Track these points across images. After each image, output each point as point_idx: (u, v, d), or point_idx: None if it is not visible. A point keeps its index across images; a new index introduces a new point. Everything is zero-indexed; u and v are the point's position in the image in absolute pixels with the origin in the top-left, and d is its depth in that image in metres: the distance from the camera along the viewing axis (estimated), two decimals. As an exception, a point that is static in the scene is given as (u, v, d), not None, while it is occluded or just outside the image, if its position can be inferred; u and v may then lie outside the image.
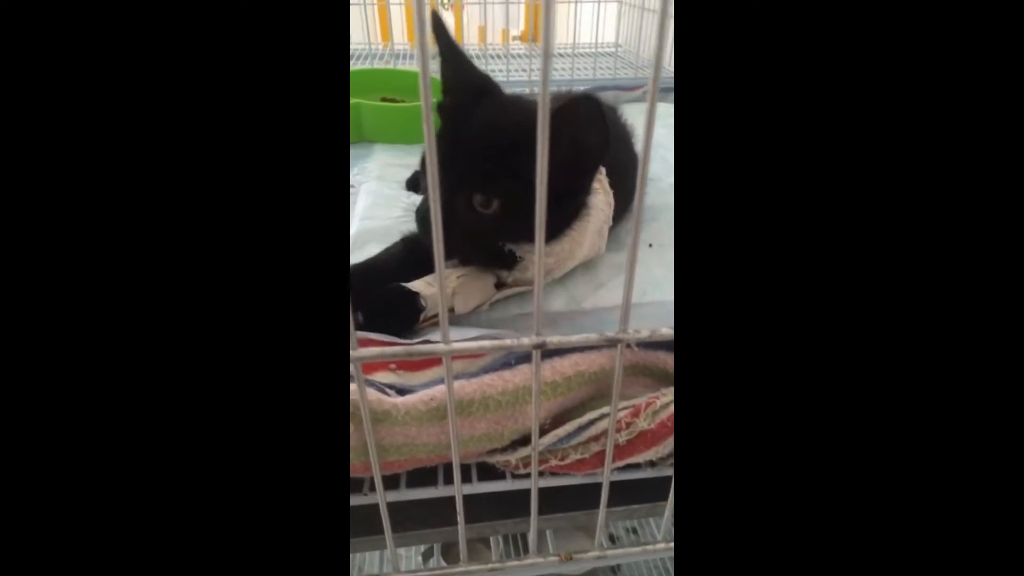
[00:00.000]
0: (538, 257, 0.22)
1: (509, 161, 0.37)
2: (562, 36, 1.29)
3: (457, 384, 0.30)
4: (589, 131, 0.38)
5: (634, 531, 0.85)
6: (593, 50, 1.16)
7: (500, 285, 0.44)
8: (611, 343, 0.26)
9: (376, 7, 1.51)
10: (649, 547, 0.33)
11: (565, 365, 0.31)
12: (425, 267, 0.41)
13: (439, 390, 0.30)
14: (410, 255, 0.46)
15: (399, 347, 0.24)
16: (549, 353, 0.32)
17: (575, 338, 0.26)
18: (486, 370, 0.31)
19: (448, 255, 0.42)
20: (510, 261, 0.44)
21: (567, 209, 0.44)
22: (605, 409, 0.31)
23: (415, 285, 0.42)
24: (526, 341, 0.25)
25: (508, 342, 0.25)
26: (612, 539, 0.85)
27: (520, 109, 0.43)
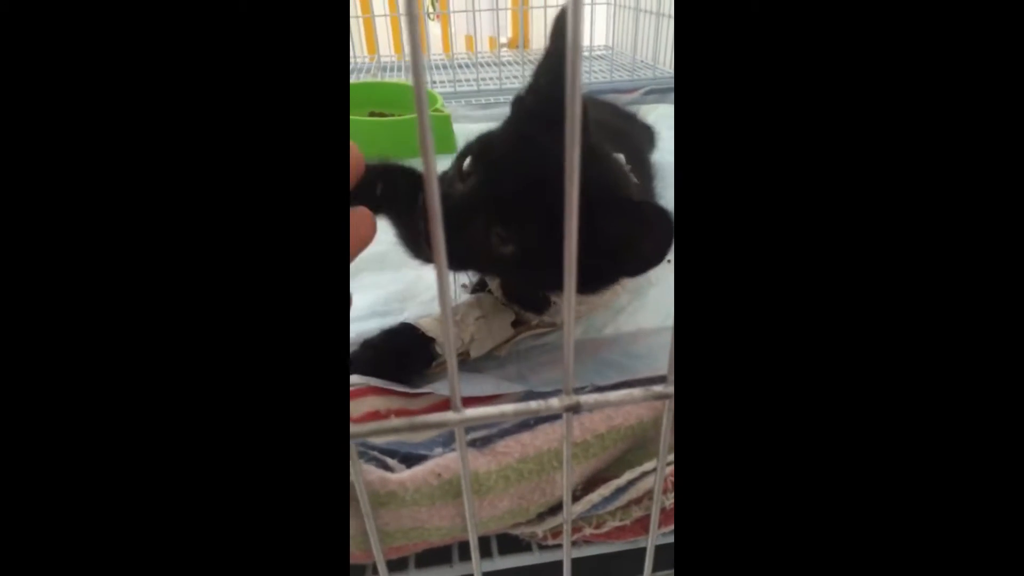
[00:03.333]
0: (567, 314, 0.18)
1: (544, 207, 0.31)
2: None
3: (468, 455, 0.25)
4: (649, 241, 0.31)
5: None
6: (586, 53, 1.12)
7: (518, 323, 0.40)
8: (659, 398, 0.21)
9: (360, 20, 1.47)
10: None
11: (596, 421, 0.27)
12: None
13: (451, 459, 0.25)
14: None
15: (400, 420, 0.20)
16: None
17: (614, 395, 0.21)
18: (501, 433, 0.26)
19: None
20: (541, 305, 0.39)
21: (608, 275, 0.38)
22: (647, 466, 0.27)
23: (429, 326, 0.37)
24: (555, 403, 0.20)
25: (534, 405, 0.21)
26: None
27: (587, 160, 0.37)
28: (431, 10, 1.98)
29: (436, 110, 0.75)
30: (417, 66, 0.14)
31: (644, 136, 0.68)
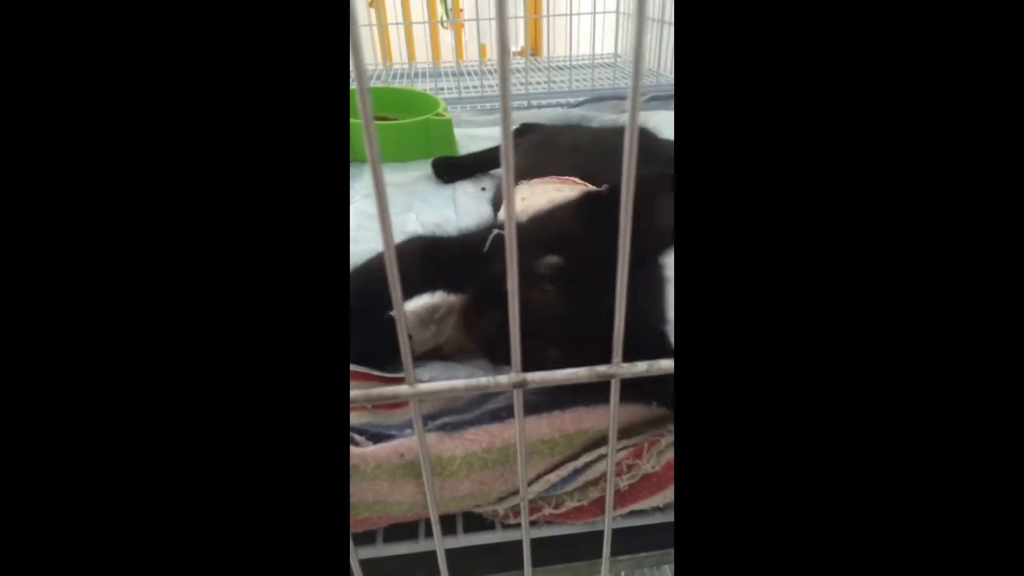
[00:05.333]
0: (511, 296, 0.19)
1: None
2: (561, 48, 1.28)
3: (436, 438, 0.27)
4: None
5: None
6: (591, 61, 1.14)
7: None
8: (603, 378, 0.22)
9: (374, 28, 1.51)
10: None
11: (566, 421, 0.28)
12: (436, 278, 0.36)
13: (415, 441, 0.26)
14: (425, 261, 0.39)
15: (357, 392, 0.21)
16: (549, 405, 0.28)
17: (560, 374, 0.22)
18: (473, 421, 0.28)
19: None
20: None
21: None
22: (603, 449, 0.28)
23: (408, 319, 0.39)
24: (503, 380, 0.22)
25: (483, 381, 0.22)
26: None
27: None
28: (445, 19, 2.00)
29: (437, 114, 0.77)
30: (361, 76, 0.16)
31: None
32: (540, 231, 0.34)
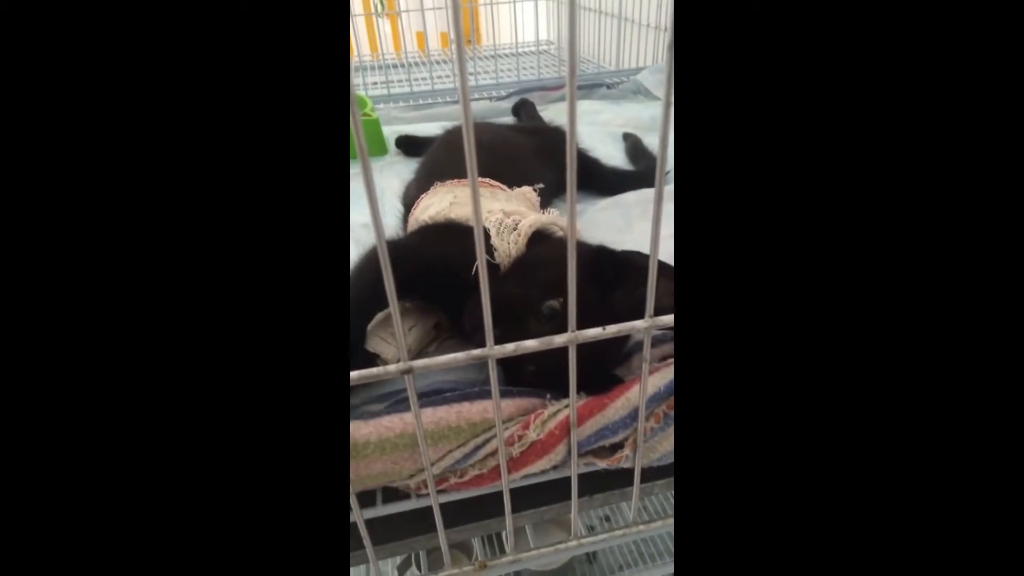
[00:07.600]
0: (389, 290, 0.22)
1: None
2: (506, 36, 1.30)
3: (352, 426, 0.30)
4: None
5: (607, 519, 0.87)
6: (532, 49, 1.17)
7: (438, 326, 0.44)
8: (479, 360, 0.26)
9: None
10: (561, 545, 0.35)
11: (473, 411, 0.31)
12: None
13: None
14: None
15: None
16: (458, 398, 0.32)
17: (442, 359, 0.26)
18: (388, 410, 0.31)
19: None
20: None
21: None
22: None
23: (372, 342, 0.41)
24: (392, 368, 0.25)
25: (375, 371, 0.26)
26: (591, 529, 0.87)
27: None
28: (379, 8, 1.99)
29: (365, 114, 0.78)
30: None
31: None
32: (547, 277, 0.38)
